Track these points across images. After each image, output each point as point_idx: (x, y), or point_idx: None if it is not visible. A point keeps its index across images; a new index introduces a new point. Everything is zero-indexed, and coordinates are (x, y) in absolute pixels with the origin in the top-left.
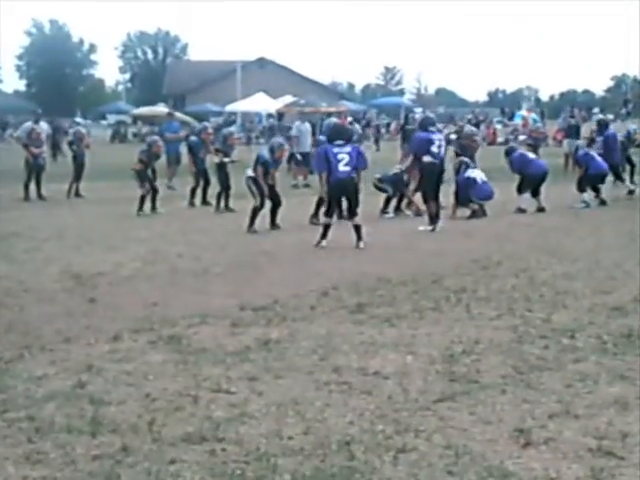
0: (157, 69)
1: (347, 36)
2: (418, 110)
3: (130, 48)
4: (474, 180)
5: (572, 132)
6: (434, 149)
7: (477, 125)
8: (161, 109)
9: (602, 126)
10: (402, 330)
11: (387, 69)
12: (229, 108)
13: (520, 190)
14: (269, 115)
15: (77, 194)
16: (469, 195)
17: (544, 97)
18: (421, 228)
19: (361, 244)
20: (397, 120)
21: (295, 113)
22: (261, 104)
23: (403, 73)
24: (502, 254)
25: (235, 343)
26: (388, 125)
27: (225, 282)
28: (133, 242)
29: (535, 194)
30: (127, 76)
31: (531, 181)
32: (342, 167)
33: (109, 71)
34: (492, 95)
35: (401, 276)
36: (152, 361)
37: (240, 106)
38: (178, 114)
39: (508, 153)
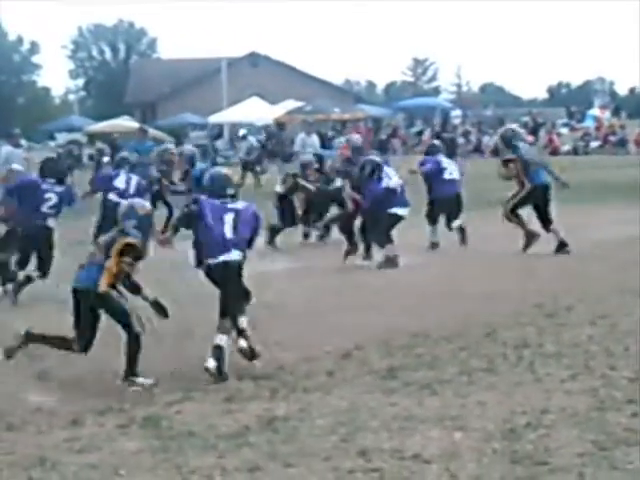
0: (118, 72)
1: (364, 22)
2: (457, 113)
3: (83, 46)
4: (393, 191)
5: None
6: (119, 184)
7: (535, 130)
8: (126, 123)
9: None
10: (447, 399)
11: (417, 62)
12: (213, 119)
13: None
14: (266, 126)
15: None
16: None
17: (622, 90)
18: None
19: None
20: (431, 127)
21: (299, 122)
22: (255, 112)
23: (438, 67)
24: (573, 296)
25: (230, 423)
26: (420, 133)
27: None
28: None
29: None
30: (80, 82)
31: None
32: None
33: (56, 77)
34: (554, 91)
35: (443, 329)
36: (123, 450)
37: (227, 116)
38: (151, 130)
39: None
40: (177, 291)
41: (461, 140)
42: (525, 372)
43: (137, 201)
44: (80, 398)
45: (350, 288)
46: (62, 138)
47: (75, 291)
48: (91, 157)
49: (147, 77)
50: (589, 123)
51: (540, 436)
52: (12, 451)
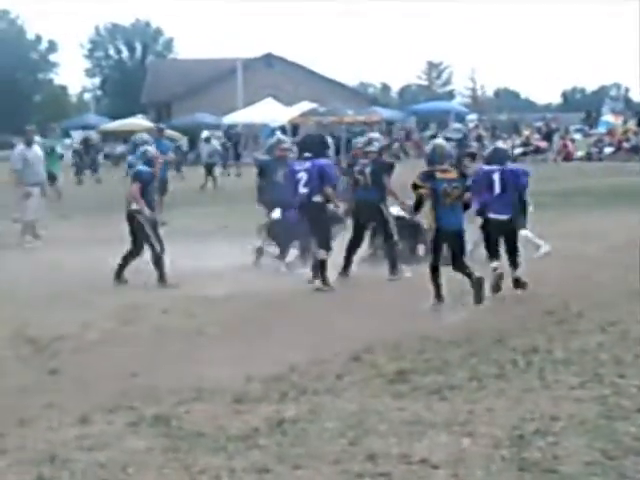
0: (134, 71)
1: (378, 25)
2: (472, 117)
3: (100, 45)
4: None
5: None
6: None
7: (549, 135)
8: (141, 122)
9: None
10: (456, 405)
11: (431, 65)
12: (228, 119)
13: None
14: (281, 127)
15: (33, 234)
16: None
17: (637, 97)
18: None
19: (316, 283)
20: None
21: (313, 124)
22: (269, 113)
23: (452, 70)
24: (584, 302)
25: (239, 424)
26: (433, 137)
27: (225, 346)
28: (104, 295)
29: None
30: (96, 81)
31: None
32: (301, 189)
33: (73, 75)
34: (568, 96)
35: (453, 334)
36: (132, 449)
37: (242, 116)
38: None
39: None
40: (192, 292)
41: (474, 144)
42: (534, 378)
43: None
44: (90, 395)
45: (360, 290)
46: (77, 136)
47: (446, 232)
48: (105, 155)
49: (163, 77)
50: (602, 129)
51: (549, 444)
52: (23, 446)
